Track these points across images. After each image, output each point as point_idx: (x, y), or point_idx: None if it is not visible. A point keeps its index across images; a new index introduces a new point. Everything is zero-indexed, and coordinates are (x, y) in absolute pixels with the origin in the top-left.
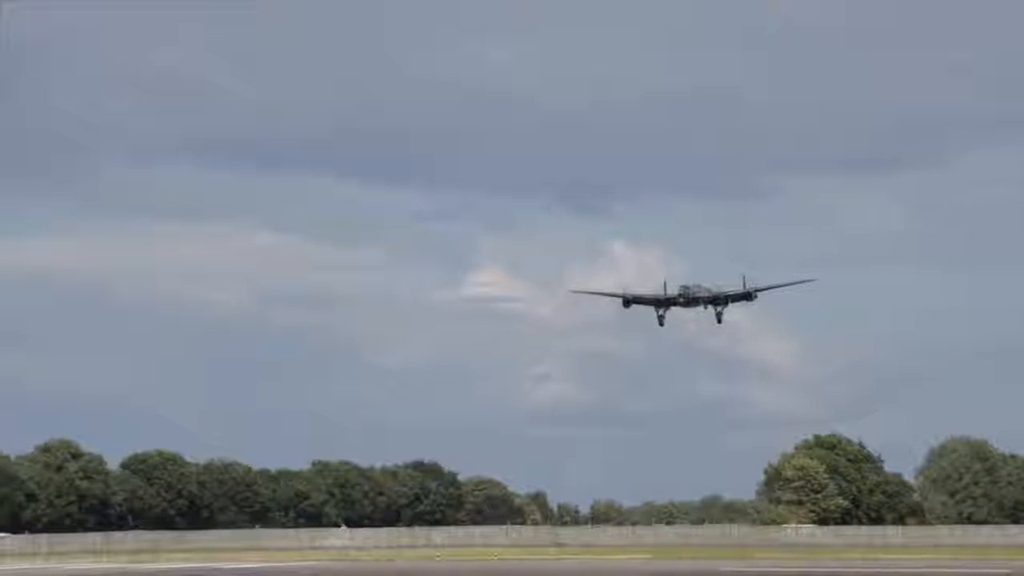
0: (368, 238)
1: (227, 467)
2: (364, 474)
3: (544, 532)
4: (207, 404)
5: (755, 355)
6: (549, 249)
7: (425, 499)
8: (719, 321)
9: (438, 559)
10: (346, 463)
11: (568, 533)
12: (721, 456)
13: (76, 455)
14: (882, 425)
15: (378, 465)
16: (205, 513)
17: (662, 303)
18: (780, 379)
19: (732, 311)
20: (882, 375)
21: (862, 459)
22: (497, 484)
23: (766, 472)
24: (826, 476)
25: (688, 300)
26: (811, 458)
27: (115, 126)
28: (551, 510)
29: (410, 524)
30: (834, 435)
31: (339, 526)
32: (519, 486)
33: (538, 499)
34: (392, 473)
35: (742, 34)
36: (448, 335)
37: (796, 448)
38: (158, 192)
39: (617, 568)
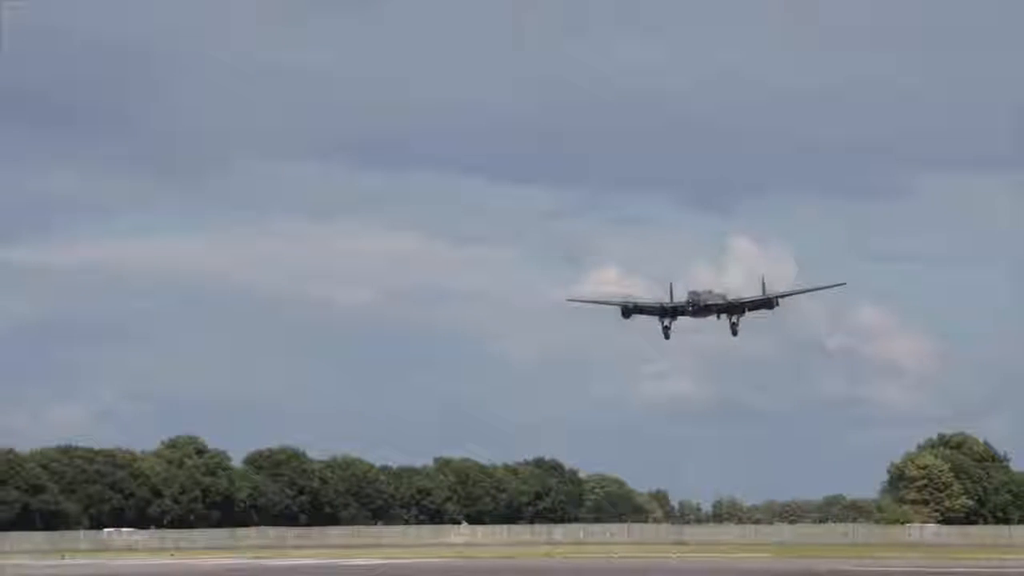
0: (492, 236)
1: (349, 464)
2: (485, 471)
3: (665, 530)
4: (331, 401)
5: (879, 353)
6: (671, 246)
7: (546, 496)
8: (734, 333)
9: (557, 557)
10: (468, 460)
11: (689, 531)
12: (843, 455)
13: (200, 451)
14: (1009, 424)
15: (499, 462)
16: (327, 509)
17: (667, 312)
18: (904, 377)
19: (862, 311)
20: (1009, 373)
21: (988, 458)
22: (618, 481)
23: (890, 471)
24: (951, 475)
25: (698, 309)
26: (936, 457)
27: (245, 125)
28: (672, 508)
29: (531, 521)
30: (960, 434)
31: (460, 523)
32: (639, 484)
33: (659, 497)
34: (513, 470)
35: (870, 33)
36: (569, 332)
37: (920, 447)
38: (287, 190)
39: (739, 567)
